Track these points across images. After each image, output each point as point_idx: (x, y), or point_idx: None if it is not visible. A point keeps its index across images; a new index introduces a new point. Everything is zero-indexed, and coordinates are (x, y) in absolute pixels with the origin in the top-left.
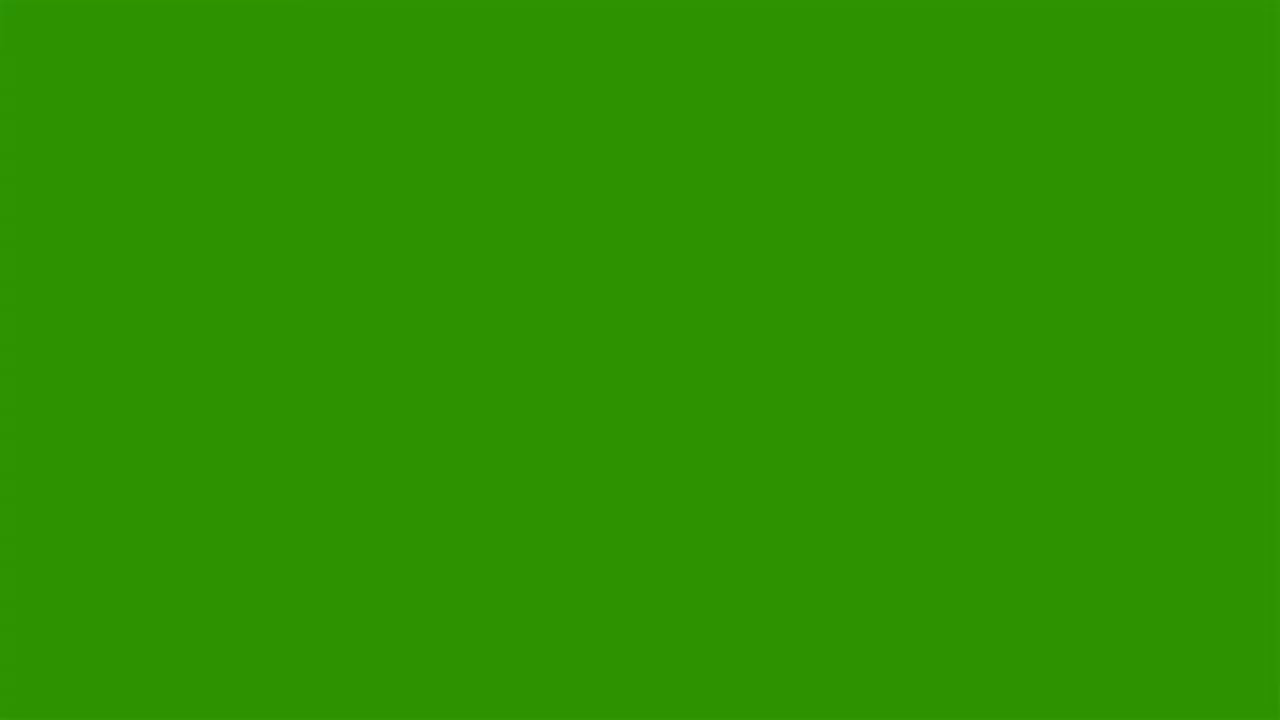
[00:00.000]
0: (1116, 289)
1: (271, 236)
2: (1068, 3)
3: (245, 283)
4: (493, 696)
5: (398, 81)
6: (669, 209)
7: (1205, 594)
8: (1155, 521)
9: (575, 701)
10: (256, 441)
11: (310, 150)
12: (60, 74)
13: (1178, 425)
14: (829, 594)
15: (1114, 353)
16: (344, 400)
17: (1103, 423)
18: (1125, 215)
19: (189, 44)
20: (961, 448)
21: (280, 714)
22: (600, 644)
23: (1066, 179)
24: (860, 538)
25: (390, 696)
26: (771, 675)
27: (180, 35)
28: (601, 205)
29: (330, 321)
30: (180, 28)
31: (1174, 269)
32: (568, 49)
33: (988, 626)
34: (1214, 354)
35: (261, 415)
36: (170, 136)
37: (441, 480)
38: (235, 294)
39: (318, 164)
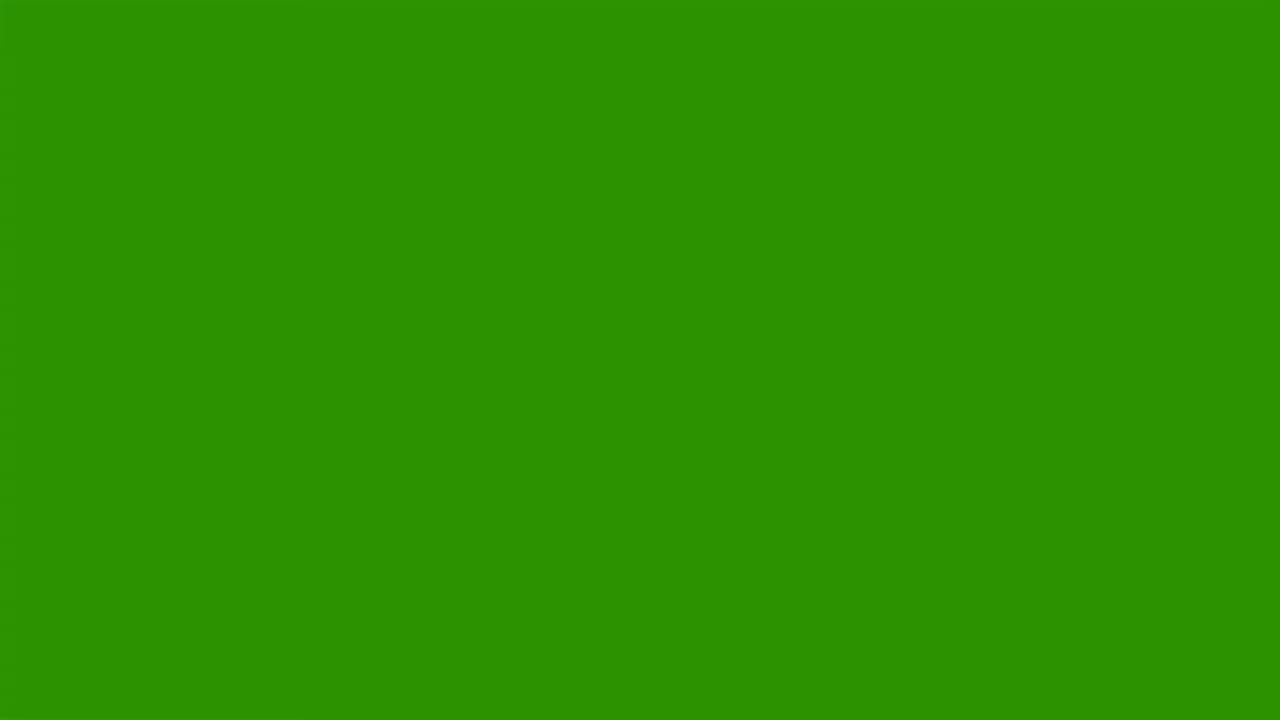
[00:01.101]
0: (1118, 289)
1: (271, 236)
2: (1068, 3)
3: (245, 282)
4: (493, 697)
5: (398, 81)
6: (669, 209)
7: (1205, 594)
8: (1157, 523)
9: (576, 702)
10: (256, 441)
11: (310, 150)
12: (60, 74)
13: (1178, 426)
14: (829, 596)
15: (1114, 353)
16: (344, 400)
17: (1104, 424)
18: (1126, 215)
19: (189, 44)
20: (963, 449)
21: (280, 714)
22: (600, 645)
23: (1067, 179)
24: (861, 540)
25: (390, 697)
26: (772, 676)
27: (180, 35)
28: (602, 206)
29: (330, 321)
30: (180, 28)
31: (1175, 269)
32: (568, 49)
33: (989, 630)
34: (1215, 354)
35: (261, 415)
36: (170, 136)
37: (441, 480)
38: (235, 294)
39: (318, 164)
